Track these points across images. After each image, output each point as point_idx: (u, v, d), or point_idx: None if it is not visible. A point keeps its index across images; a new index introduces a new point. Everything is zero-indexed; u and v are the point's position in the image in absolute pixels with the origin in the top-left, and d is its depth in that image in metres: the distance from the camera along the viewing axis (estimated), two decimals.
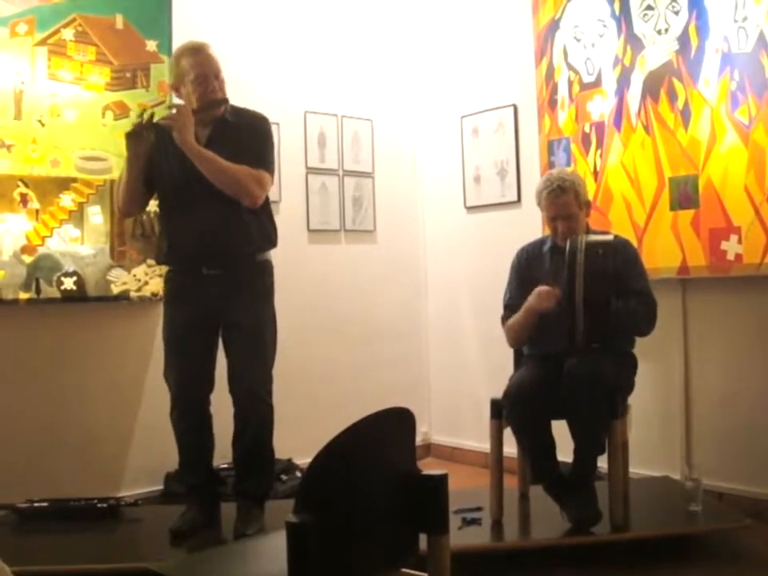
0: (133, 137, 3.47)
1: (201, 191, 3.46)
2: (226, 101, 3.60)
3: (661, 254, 4.24)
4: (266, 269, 3.69)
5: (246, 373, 3.56)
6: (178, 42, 4.27)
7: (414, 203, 5.79)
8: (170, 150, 3.49)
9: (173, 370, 3.63)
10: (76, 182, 4.20)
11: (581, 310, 3.47)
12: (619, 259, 3.57)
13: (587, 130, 4.61)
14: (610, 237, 3.67)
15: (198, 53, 3.55)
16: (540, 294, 3.62)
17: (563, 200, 3.67)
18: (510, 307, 3.82)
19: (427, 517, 1.86)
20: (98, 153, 4.22)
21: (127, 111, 4.30)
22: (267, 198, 3.67)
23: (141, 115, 3.53)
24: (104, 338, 4.35)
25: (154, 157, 3.54)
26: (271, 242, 3.71)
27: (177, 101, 3.75)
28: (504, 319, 3.83)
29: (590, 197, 4.09)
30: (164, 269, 3.82)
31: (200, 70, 3.52)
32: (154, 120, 3.51)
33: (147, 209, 4.10)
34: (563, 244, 3.63)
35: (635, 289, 3.61)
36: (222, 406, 3.63)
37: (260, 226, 3.64)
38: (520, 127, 5.11)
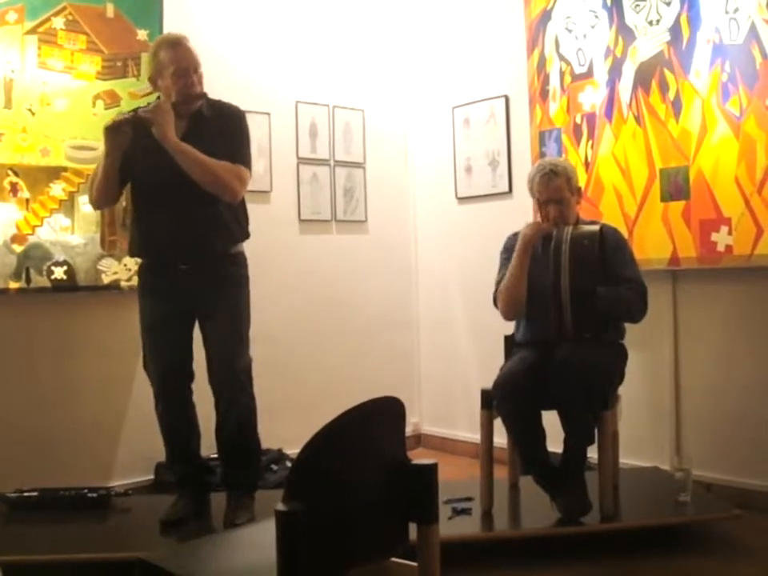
0: (112, 130, 3.43)
1: (177, 186, 3.43)
2: (203, 95, 3.57)
3: (651, 245, 4.25)
4: (241, 261, 3.69)
5: (225, 364, 3.56)
6: (169, 31, 4.26)
7: (406, 194, 5.79)
8: (146, 144, 3.44)
9: (152, 363, 3.64)
10: (66, 171, 4.18)
11: (567, 300, 3.49)
12: (608, 247, 3.59)
13: (578, 120, 4.61)
14: (595, 227, 3.68)
15: (176, 46, 3.51)
16: (527, 227, 3.71)
17: (555, 183, 3.69)
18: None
19: (417, 506, 1.86)
20: (88, 142, 4.20)
21: (118, 100, 4.29)
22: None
23: (122, 113, 3.49)
24: (94, 327, 4.34)
25: (130, 151, 3.50)
26: (245, 233, 3.71)
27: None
28: (494, 295, 3.83)
29: (580, 182, 4.08)
30: None
31: (179, 64, 3.48)
32: (135, 114, 3.45)
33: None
34: (554, 229, 3.65)
35: (625, 275, 3.63)
36: (207, 395, 3.63)
37: (236, 220, 3.63)
38: (511, 118, 5.11)
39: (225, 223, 3.58)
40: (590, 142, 4.55)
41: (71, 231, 4.22)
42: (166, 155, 3.40)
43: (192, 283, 3.54)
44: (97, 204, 3.76)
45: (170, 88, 3.51)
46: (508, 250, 3.88)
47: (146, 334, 3.65)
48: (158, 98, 3.60)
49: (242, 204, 3.68)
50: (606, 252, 3.58)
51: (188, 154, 3.41)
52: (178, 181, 3.41)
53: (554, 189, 3.70)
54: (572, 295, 3.49)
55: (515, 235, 3.90)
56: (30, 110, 4.08)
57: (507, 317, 3.86)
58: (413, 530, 1.90)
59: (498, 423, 3.65)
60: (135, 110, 3.51)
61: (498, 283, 3.83)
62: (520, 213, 4.72)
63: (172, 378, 3.63)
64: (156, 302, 3.60)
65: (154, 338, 3.62)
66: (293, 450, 4.49)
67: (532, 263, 3.70)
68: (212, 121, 3.57)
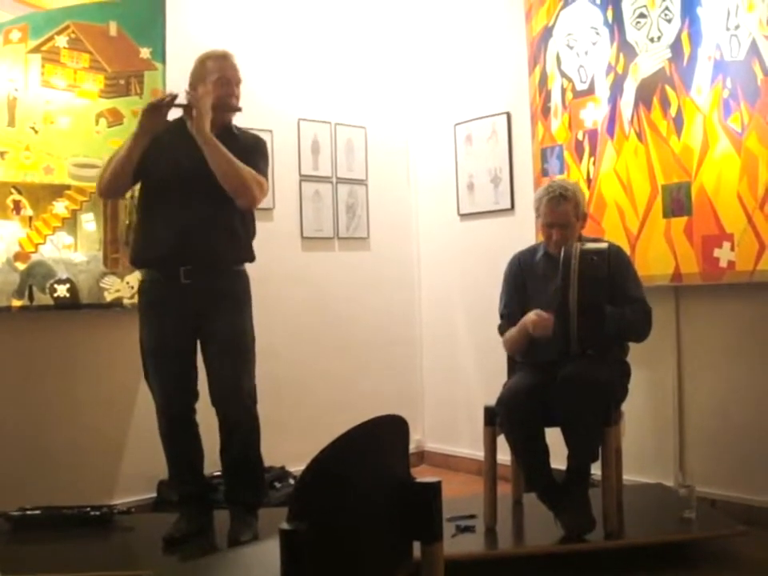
0: (151, 110, 3.47)
1: (190, 188, 3.46)
2: (239, 109, 3.67)
3: (654, 261, 4.25)
4: (244, 278, 3.69)
5: (229, 384, 3.55)
6: (172, 49, 4.31)
7: (408, 210, 5.80)
8: (171, 139, 3.49)
9: (155, 382, 3.62)
10: (69, 189, 4.19)
11: (574, 317, 3.47)
12: (613, 266, 3.58)
13: (580, 137, 4.62)
14: (604, 245, 3.67)
15: (225, 58, 3.65)
16: (535, 322, 3.62)
17: (563, 208, 3.68)
18: (506, 315, 3.83)
19: (421, 524, 1.85)
20: (91, 160, 4.21)
21: (121, 118, 4.30)
22: (253, 213, 3.69)
23: (167, 94, 3.54)
24: (97, 345, 4.34)
25: (154, 142, 3.50)
26: (252, 255, 3.71)
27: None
28: (501, 328, 3.84)
29: (587, 207, 4.06)
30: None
31: (224, 73, 3.61)
32: (177, 96, 3.49)
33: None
34: (555, 252, 3.64)
35: (629, 296, 3.63)
36: (211, 413, 3.62)
37: (244, 234, 3.65)
38: (513, 135, 5.12)
39: (234, 234, 3.59)
40: (592, 159, 4.56)
41: (74, 249, 4.22)
42: (188, 155, 3.43)
43: (194, 300, 3.53)
44: (105, 190, 3.67)
45: (209, 95, 3.54)
46: (510, 278, 3.89)
47: (147, 352, 3.62)
48: None
49: (253, 222, 3.71)
50: (612, 270, 3.57)
51: (218, 147, 3.44)
52: (194, 183, 3.44)
53: (561, 214, 3.69)
54: (579, 311, 3.47)
55: (518, 258, 3.91)
56: (33, 128, 4.09)
57: (509, 355, 3.94)
58: (416, 548, 1.89)
59: (501, 440, 3.65)
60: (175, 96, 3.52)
61: (503, 316, 3.87)
62: (522, 230, 4.73)
63: (175, 398, 3.61)
64: (157, 320, 3.58)
65: (156, 357, 3.59)
66: (296, 468, 4.49)
67: (537, 284, 3.73)
68: (237, 140, 3.62)
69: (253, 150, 3.65)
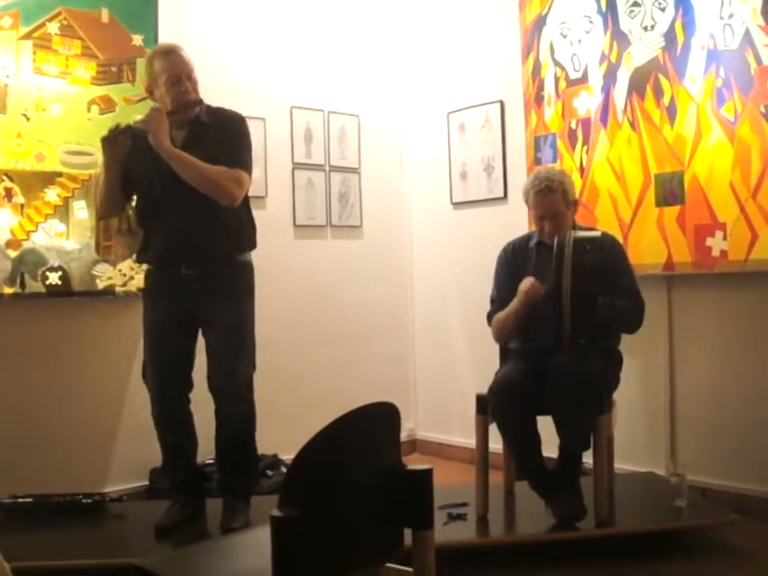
0: (108, 141, 3.45)
1: (178, 193, 3.44)
2: (199, 102, 3.58)
3: (646, 250, 4.25)
4: (246, 269, 3.69)
5: (226, 371, 3.55)
6: (164, 36, 4.29)
7: (401, 199, 5.79)
8: (146, 153, 3.46)
9: (152, 366, 3.63)
10: (61, 176, 4.18)
11: (568, 305, 3.47)
12: (608, 256, 3.57)
13: (573, 126, 4.62)
14: (597, 233, 3.67)
15: (169, 55, 3.54)
16: (530, 282, 3.62)
17: (551, 200, 3.66)
18: (497, 302, 3.82)
19: (412, 512, 1.85)
20: (83, 147, 4.20)
21: (113, 105, 4.29)
22: (247, 198, 3.66)
23: (117, 124, 3.50)
24: (89, 332, 4.33)
25: (131, 160, 3.52)
26: (251, 242, 3.71)
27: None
28: (490, 315, 3.83)
29: (577, 193, 4.05)
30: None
31: (172, 71, 3.51)
32: (130, 125, 3.46)
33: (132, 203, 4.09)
34: (550, 242, 3.64)
35: (623, 287, 3.61)
36: (205, 402, 3.62)
37: (239, 227, 3.63)
38: (506, 123, 5.11)
39: (228, 229, 3.58)
40: (585, 148, 4.56)
41: (66, 236, 4.21)
42: (165, 162, 3.42)
43: (195, 289, 3.54)
44: (101, 215, 3.76)
45: (164, 97, 3.53)
46: (504, 265, 3.87)
47: (147, 337, 3.65)
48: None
49: (248, 212, 3.70)
50: (606, 260, 3.56)
51: (183, 159, 3.42)
52: (180, 188, 3.42)
53: (549, 206, 3.67)
54: (572, 300, 3.46)
55: (512, 245, 3.90)
56: (24, 115, 4.07)
57: (498, 341, 3.91)
58: (408, 535, 1.89)
59: (493, 428, 3.65)
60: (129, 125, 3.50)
61: (493, 302, 3.85)
62: (515, 218, 4.73)
63: (169, 383, 3.61)
64: (158, 306, 3.61)
65: (155, 341, 3.62)
66: (288, 456, 4.48)
67: (531, 271, 3.71)
68: (212, 128, 3.58)
69: (228, 139, 3.59)
